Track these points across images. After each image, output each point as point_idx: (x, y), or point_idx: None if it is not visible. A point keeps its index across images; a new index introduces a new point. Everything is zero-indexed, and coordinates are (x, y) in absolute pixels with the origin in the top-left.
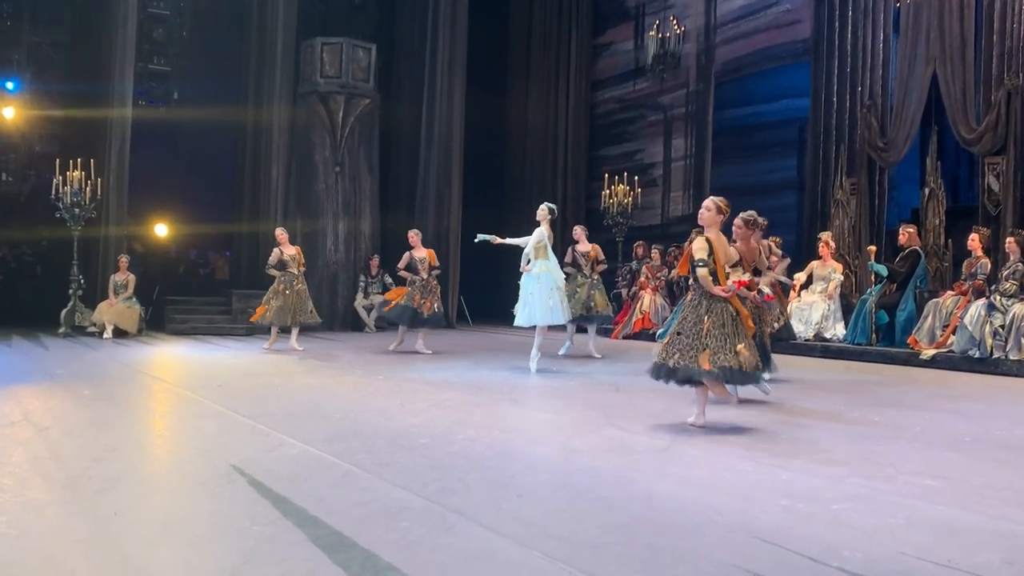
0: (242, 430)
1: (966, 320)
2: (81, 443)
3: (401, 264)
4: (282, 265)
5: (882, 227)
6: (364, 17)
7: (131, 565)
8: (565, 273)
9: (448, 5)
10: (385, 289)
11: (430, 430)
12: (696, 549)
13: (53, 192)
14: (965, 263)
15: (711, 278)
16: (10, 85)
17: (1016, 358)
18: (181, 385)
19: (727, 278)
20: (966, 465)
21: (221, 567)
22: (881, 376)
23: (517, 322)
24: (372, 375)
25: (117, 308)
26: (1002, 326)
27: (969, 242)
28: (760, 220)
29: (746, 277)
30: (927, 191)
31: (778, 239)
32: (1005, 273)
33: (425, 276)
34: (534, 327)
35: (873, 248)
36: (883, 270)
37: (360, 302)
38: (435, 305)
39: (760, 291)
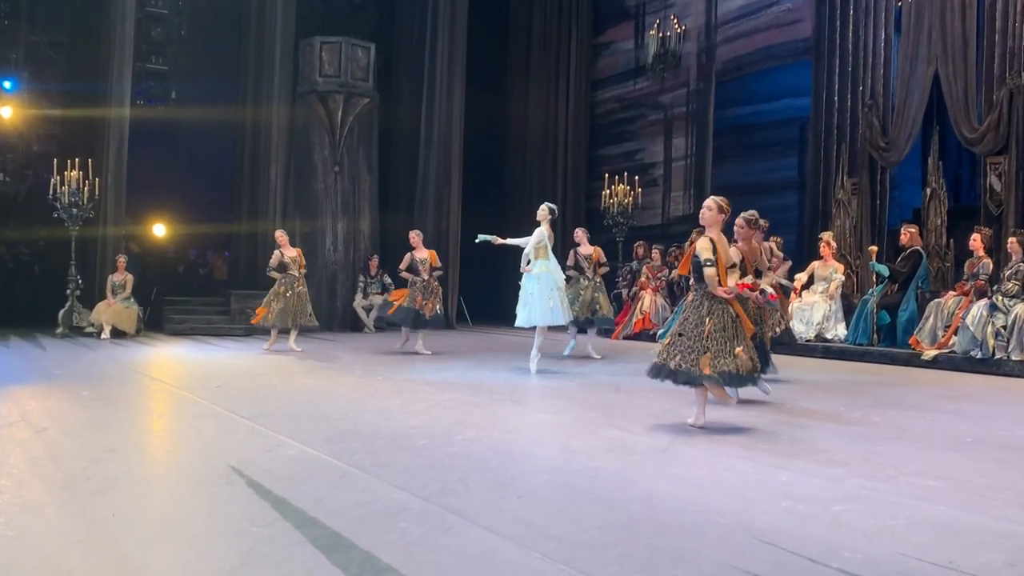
0: (241, 431)
1: (968, 321)
2: (79, 444)
3: (403, 265)
4: (283, 267)
5: (883, 227)
6: (363, 16)
7: (129, 566)
8: (567, 276)
9: (448, 4)
10: (384, 289)
11: (430, 431)
12: (696, 550)
13: (51, 192)
14: (967, 263)
15: (718, 278)
16: (7, 84)
17: (1018, 359)
18: (179, 386)
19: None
20: (968, 466)
21: (219, 568)
22: (882, 377)
23: (518, 323)
24: (371, 376)
25: (115, 308)
26: (1004, 327)
27: (971, 242)
28: (762, 222)
29: (749, 280)
30: (929, 191)
31: (779, 239)
32: (1007, 273)
33: (426, 277)
34: (534, 328)
35: (874, 248)
36: (884, 270)
37: (359, 302)
38: (437, 307)
39: (763, 291)
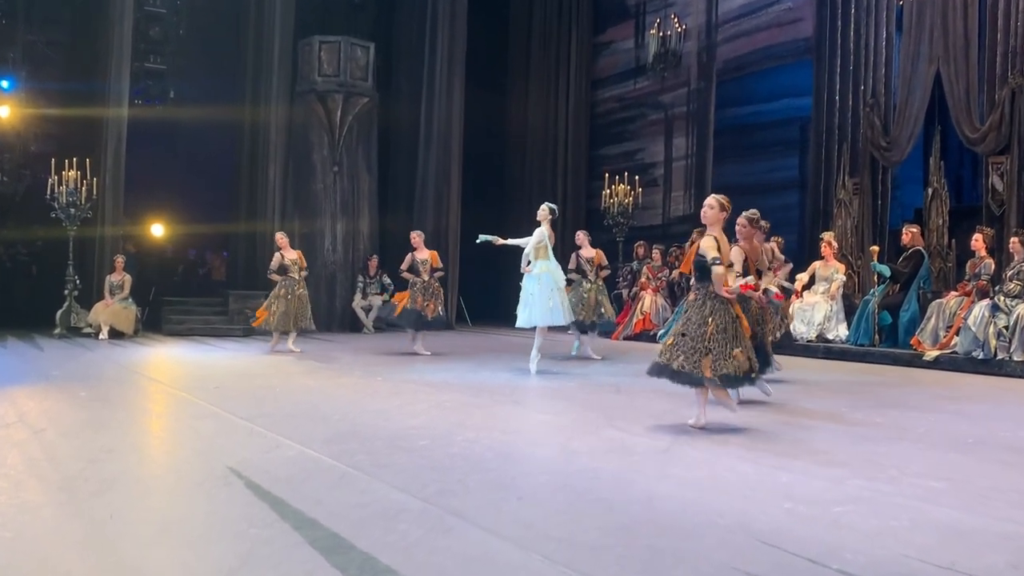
0: (239, 432)
1: (970, 321)
2: (77, 444)
3: (404, 266)
4: (283, 270)
5: (885, 227)
6: (363, 15)
7: (127, 567)
8: (568, 278)
9: (447, 3)
10: (383, 289)
11: (429, 431)
12: (696, 551)
13: (48, 192)
14: (969, 263)
15: (725, 276)
16: (5, 84)
17: (1020, 359)
18: (177, 386)
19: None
20: (970, 467)
21: (218, 569)
22: (884, 377)
23: (518, 324)
24: (371, 376)
25: (113, 309)
26: (1006, 327)
27: (973, 242)
28: (763, 223)
29: (752, 281)
30: (930, 191)
31: (781, 240)
32: (1009, 273)
33: (426, 278)
34: (534, 328)
35: (876, 248)
36: (886, 270)
37: (358, 303)
38: (438, 308)
39: (767, 291)
